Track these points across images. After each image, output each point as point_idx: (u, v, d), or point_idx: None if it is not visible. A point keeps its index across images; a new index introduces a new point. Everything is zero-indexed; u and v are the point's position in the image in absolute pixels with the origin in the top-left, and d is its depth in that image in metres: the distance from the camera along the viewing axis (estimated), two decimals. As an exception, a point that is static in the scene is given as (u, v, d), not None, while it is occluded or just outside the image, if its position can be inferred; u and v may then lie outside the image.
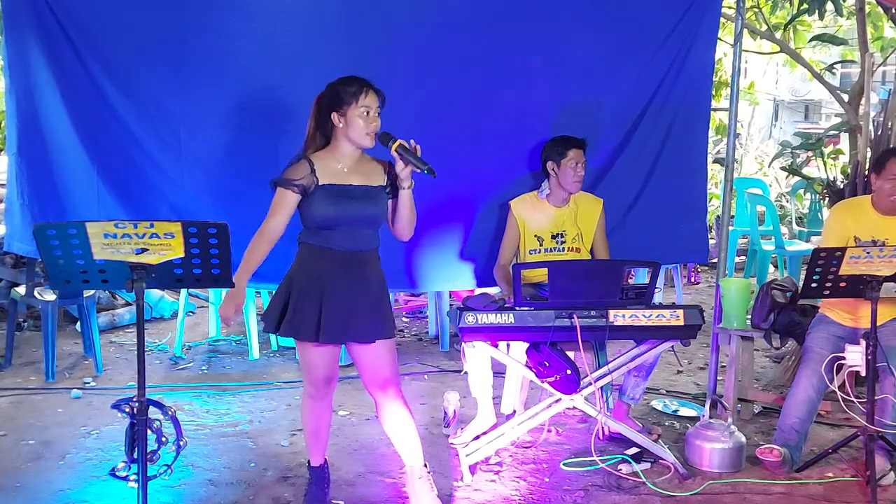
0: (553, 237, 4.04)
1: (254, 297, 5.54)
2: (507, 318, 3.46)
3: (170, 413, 2.86)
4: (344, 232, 3.01)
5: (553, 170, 3.98)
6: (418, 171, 2.97)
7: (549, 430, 3.99)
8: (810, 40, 6.14)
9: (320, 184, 2.97)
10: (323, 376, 3.14)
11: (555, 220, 4.03)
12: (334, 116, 2.98)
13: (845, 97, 5.68)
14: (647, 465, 3.65)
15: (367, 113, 2.96)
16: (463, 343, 3.68)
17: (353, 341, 3.05)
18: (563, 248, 4.04)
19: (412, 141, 2.97)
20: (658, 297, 4.52)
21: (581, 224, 4.05)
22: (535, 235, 4.05)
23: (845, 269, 3.26)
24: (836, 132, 6.23)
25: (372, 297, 3.06)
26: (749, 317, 4.27)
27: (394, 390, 3.13)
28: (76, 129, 3.83)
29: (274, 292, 3.14)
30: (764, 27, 6.20)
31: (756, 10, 6.20)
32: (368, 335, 3.04)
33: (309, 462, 3.31)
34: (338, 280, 3.00)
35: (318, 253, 3.02)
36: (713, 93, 4.80)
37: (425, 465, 3.22)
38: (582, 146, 3.97)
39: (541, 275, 3.80)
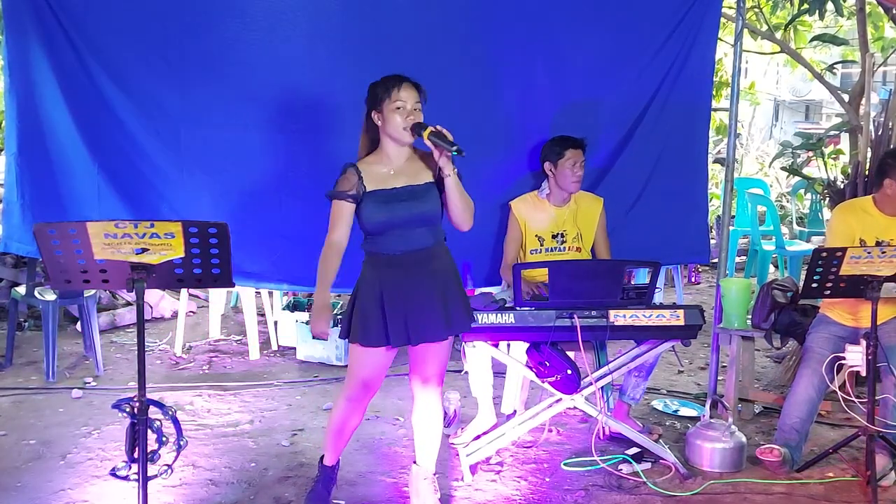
0: (554, 237, 4.04)
1: (253, 297, 5.55)
2: (507, 318, 3.46)
3: (170, 413, 2.87)
4: (396, 235, 3.00)
5: (551, 170, 3.98)
6: (448, 153, 2.93)
7: (550, 430, 3.99)
8: (811, 40, 6.15)
9: (367, 191, 2.98)
10: (365, 381, 3.10)
11: (555, 219, 4.03)
12: (374, 115, 2.99)
13: (846, 97, 5.68)
14: (647, 465, 3.65)
15: (404, 107, 2.95)
16: (463, 343, 3.68)
17: (420, 342, 3.05)
18: (564, 248, 4.04)
19: (439, 126, 2.93)
20: (658, 297, 4.52)
21: (582, 224, 4.05)
22: (536, 235, 4.05)
23: (846, 269, 3.26)
24: (837, 132, 6.23)
25: (432, 295, 3.03)
26: (749, 317, 4.27)
27: (433, 389, 3.16)
28: (77, 129, 3.83)
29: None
30: (764, 27, 6.19)
31: (756, 10, 6.20)
32: (431, 335, 3.04)
33: (322, 459, 3.30)
34: (396, 284, 3.00)
35: (374, 260, 3.03)
36: (713, 93, 4.79)
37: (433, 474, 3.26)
38: (579, 146, 3.96)
39: (542, 274, 3.80)
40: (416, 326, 3.00)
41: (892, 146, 4.64)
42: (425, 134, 2.93)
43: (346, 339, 3.08)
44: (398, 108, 2.95)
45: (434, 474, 3.25)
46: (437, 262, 3.08)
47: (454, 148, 2.91)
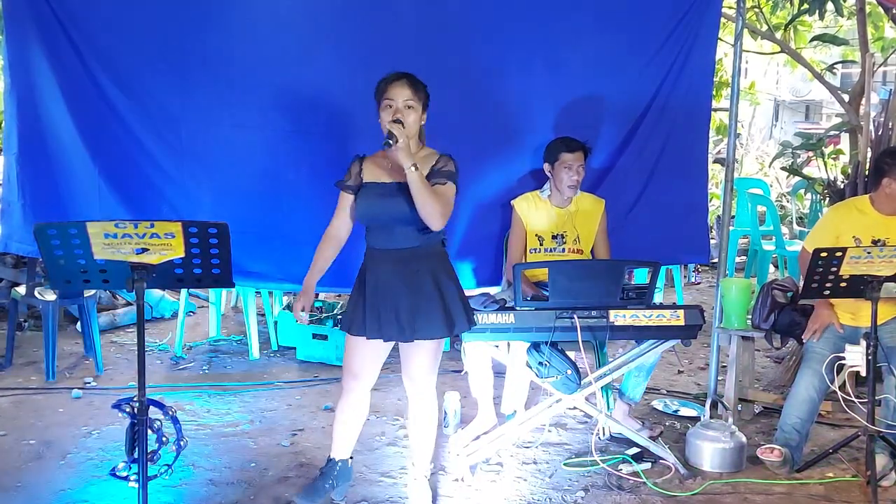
0: (553, 237, 4.04)
1: (253, 297, 5.55)
2: (507, 318, 3.46)
3: (170, 413, 2.87)
4: (380, 230, 3.04)
5: (549, 172, 3.99)
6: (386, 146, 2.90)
7: (550, 430, 3.99)
8: (811, 40, 6.14)
9: (364, 182, 3.04)
10: (353, 369, 3.16)
11: (556, 220, 4.03)
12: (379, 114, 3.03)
13: (846, 97, 5.67)
14: (647, 465, 3.65)
15: (390, 105, 2.97)
16: (463, 343, 3.68)
17: (390, 340, 3.07)
18: (564, 249, 4.04)
19: (390, 124, 2.91)
20: (658, 297, 4.52)
21: (582, 226, 4.05)
22: (536, 235, 4.05)
23: (845, 269, 3.26)
24: (837, 132, 6.22)
25: (409, 296, 3.01)
26: (749, 317, 4.26)
27: (420, 390, 3.18)
28: (77, 129, 3.84)
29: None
30: (764, 27, 6.19)
31: (757, 10, 6.20)
32: (405, 335, 3.04)
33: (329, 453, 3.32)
34: (377, 279, 3.04)
35: (368, 252, 3.10)
36: (714, 93, 4.79)
37: (430, 467, 3.29)
38: (577, 149, 3.94)
39: (542, 274, 3.80)
40: (388, 324, 3.02)
41: (892, 146, 4.64)
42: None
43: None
44: (385, 107, 2.99)
45: (431, 474, 3.28)
46: (422, 263, 3.04)
47: (384, 141, 2.89)
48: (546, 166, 4.00)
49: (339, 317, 3.25)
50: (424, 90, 3.06)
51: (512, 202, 4.08)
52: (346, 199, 3.09)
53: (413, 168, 2.86)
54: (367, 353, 3.13)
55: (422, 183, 2.89)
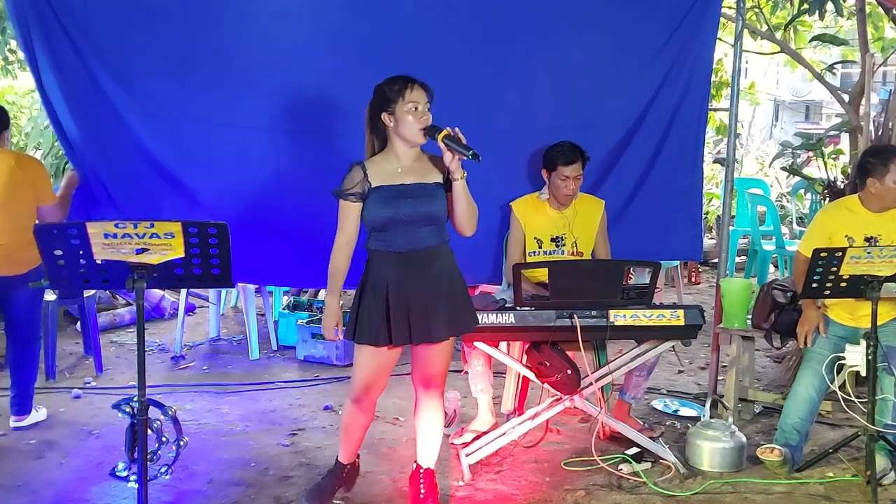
0: (552, 240, 4.03)
1: (253, 297, 5.55)
2: (507, 318, 3.46)
3: (170, 413, 2.88)
4: (401, 232, 2.99)
5: (546, 177, 4.00)
6: (463, 157, 2.92)
7: (550, 430, 3.99)
8: (811, 40, 6.14)
9: (373, 186, 2.97)
10: (368, 382, 3.12)
11: (554, 223, 4.03)
12: (385, 117, 2.96)
13: (846, 97, 5.67)
14: (647, 465, 3.65)
15: (416, 108, 2.94)
16: (463, 343, 3.68)
17: (420, 342, 3.05)
18: (563, 252, 4.03)
19: (456, 129, 2.92)
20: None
21: (582, 228, 4.04)
22: (535, 237, 4.04)
23: (846, 269, 3.26)
24: (837, 132, 6.22)
25: (438, 295, 3.03)
26: (750, 317, 4.27)
27: (435, 389, 3.17)
28: (78, 129, 3.84)
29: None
30: (764, 27, 6.19)
31: (756, 10, 6.20)
32: (432, 335, 3.03)
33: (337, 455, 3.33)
34: (401, 282, 2.99)
35: (380, 257, 3.01)
36: (714, 93, 4.81)
37: (432, 470, 3.28)
38: (574, 161, 3.91)
39: (542, 274, 3.80)
40: (418, 326, 3.00)
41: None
42: (439, 137, 2.92)
43: (352, 340, 3.06)
44: (411, 110, 2.93)
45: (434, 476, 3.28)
46: (442, 261, 3.06)
47: (469, 153, 2.90)
48: (544, 172, 4.00)
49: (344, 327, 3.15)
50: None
51: (511, 204, 4.08)
52: (353, 208, 2.98)
53: (463, 178, 2.97)
54: (384, 363, 3.10)
55: (468, 192, 3.00)
